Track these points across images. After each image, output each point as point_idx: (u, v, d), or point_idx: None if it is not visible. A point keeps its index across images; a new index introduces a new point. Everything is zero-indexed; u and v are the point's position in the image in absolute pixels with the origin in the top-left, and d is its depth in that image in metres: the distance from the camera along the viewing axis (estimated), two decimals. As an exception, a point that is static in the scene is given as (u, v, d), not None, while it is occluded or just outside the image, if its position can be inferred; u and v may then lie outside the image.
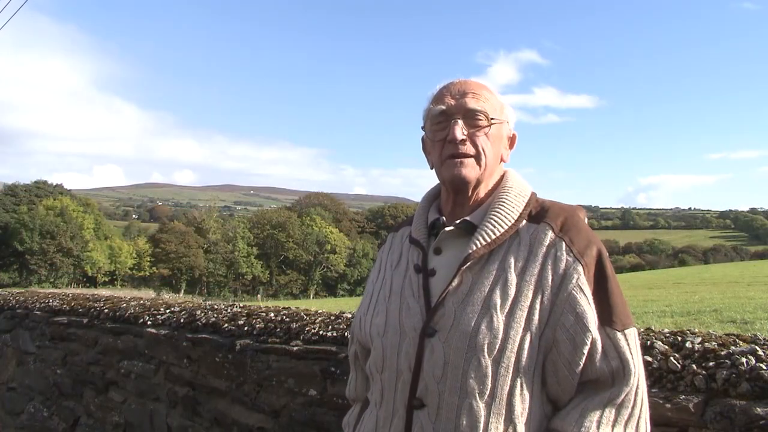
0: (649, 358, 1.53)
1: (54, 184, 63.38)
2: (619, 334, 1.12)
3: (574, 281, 1.13)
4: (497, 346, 1.10)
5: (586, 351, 1.11)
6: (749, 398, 1.35)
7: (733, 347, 1.49)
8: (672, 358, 1.51)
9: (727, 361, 1.43)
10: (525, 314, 1.11)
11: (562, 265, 1.14)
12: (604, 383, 1.12)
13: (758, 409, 1.31)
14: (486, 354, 1.10)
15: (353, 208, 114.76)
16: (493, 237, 1.18)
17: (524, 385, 1.12)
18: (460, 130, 1.22)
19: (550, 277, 1.13)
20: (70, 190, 66.28)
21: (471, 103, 1.24)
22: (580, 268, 1.13)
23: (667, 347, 1.57)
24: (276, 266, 65.68)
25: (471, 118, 1.23)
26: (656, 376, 1.51)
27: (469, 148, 1.23)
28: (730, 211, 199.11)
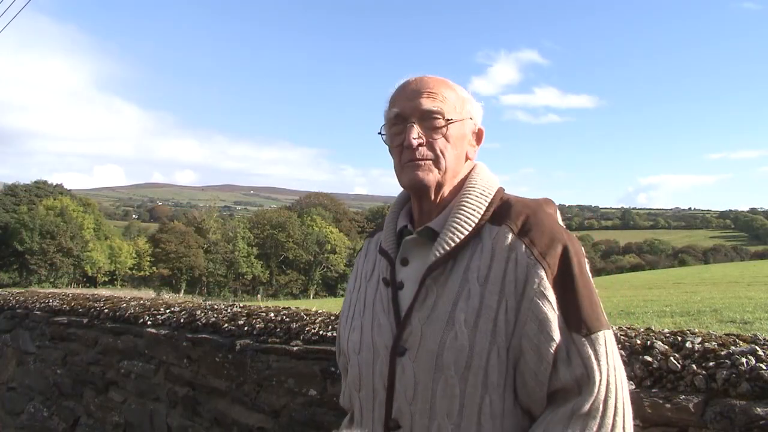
0: (649, 358, 1.53)
1: (54, 184, 63.39)
2: (584, 339, 1.04)
3: (535, 286, 1.06)
4: (464, 363, 1.06)
5: (551, 360, 1.05)
6: (749, 398, 1.35)
7: (733, 347, 1.49)
8: (672, 358, 1.51)
9: (727, 361, 1.43)
10: (490, 327, 1.07)
11: (523, 270, 1.08)
12: (571, 392, 1.05)
13: (758, 409, 1.31)
14: (453, 372, 1.07)
15: (353, 208, 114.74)
16: (453, 245, 1.13)
17: (493, 402, 1.07)
18: (416, 134, 1.16)
19: (512, 284, 1.08)
20: (70, 190, 66.28)
21: (426, 103, 1.17)
22: (541, 272, 1.07)
23: (667, 347, 1.56)
24: (276, 266, 65.67)
25: (426, 119, 1.17)
26: (656, 376, 1.51)
27: (426, 152, 1.17)
28: (730, 211, 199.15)
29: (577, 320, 1.05)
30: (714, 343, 1.54)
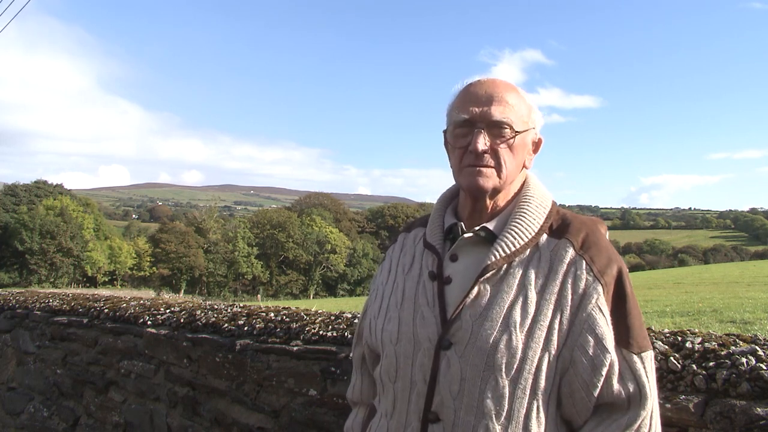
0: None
1: (54, 183, 63.33)
2: (635, 357, 1.11)
3: (593, 301, 1.11)
4: (515, 366, 1.08)
5: (604, 373, 1.09)
6: (749, 398, 1.35)
7: (733, 347, 1.49)
8: (672, 358, 1.51)
9: (727, 361, 1.43)
10: (544, 334, 1.10)
11: (582, 285, 1.12)
12: (619, 407, 1.11)
13: (758, 409, 1.31)
14: (504, 374, 1.08)
15: (354, 208, 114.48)
16: (513, 249, 1.16)
17: (540, 408, 1.10)
18: (482, 142, 1.17)
19: (569, 296, 1.11)
20: (70, 189, 66.19)
21: (496, 113, 1.18)
22: (600, 288, 1.12)
23: (667, 347, 1.56)
24: (276, 266, 65.63)
25: (494, 128, 1.19)
26: (656, 377, 1.50)
27: (489, 160, 1.19)
28: (730, 211, 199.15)
29: (629, 338, 1.11)
30: (714, 343, 1.54)
